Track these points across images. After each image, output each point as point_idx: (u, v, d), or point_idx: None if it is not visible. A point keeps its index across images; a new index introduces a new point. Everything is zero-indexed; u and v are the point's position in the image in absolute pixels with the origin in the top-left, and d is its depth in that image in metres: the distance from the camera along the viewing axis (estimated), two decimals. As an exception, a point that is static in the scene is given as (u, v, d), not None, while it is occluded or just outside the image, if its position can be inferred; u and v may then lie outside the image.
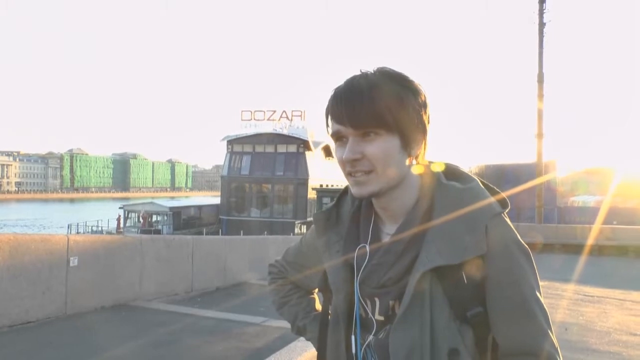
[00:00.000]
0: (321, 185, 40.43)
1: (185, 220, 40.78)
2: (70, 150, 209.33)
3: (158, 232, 36.93)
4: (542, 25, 24.62)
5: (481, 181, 1.18)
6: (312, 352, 4.67)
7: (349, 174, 1.09)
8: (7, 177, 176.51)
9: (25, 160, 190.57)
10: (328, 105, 1.10)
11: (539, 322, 1.07)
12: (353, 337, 1.17)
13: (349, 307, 1.18)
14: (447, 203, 1.11)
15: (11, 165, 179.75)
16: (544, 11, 24.69)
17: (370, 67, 1.11)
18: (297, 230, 37.29)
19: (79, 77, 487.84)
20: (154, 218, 40.66)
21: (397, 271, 1.11)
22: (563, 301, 9.21)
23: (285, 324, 6.20)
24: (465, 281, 1.06)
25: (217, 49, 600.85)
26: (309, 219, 38.87)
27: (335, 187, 42.49)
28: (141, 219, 39.70)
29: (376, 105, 1.03)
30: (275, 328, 5.91)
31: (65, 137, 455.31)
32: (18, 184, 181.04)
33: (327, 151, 47.88)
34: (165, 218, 39.85)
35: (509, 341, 1.08)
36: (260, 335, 5.65)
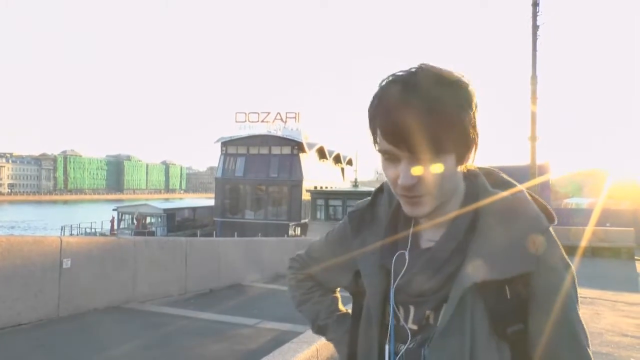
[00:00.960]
0: (315, 187, 40.46)
1: (179, 222, 40.73)
2: (64, 152, 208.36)
3: (152, 233, 36.88)
4: (535, 27, 24.63)
5: (527, 192, 1.14)
6: (305, 354, 4.69)
7: (401, 195, 1.03)
8: (0, 179, 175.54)
9: (18, 162, 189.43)
10: (375, 116, 1.00)
11: (582, 344, 1.03)
12: (387, 346, 1.11)
13: (381, 313, 1.14)
14: (493, 213, 1.07)
15: (4, 166, 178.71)
16: (538, 14, 24.78)
17: (408, 64, 1.01)
18: (291, 232, 37.31)
19: (72, 79, 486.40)
20: (148, 220, 40.58)
21: (438, 281, 1.05)
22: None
23: (279, 326, 6.22)
24: (509, 296, 1.01)
25: (212, 51, 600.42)
26: (303, 221, 38.89)
27: (329, 188, 42.55)
28: (135, 221, 39.58)
29: (437, 132, 0.94)
30: (269, 330, 5.91)
31: (59, 139, 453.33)
32: (11, 185, 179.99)
33: (321, 153, 47.93)
34: (159, 220, 39.77)
35: None
36: (253, 337, 5.64)
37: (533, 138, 24.78)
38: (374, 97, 1.02)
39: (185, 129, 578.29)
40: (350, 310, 1.32)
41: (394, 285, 1.10)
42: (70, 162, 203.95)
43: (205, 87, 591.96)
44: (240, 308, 7.60)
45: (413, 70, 0.99)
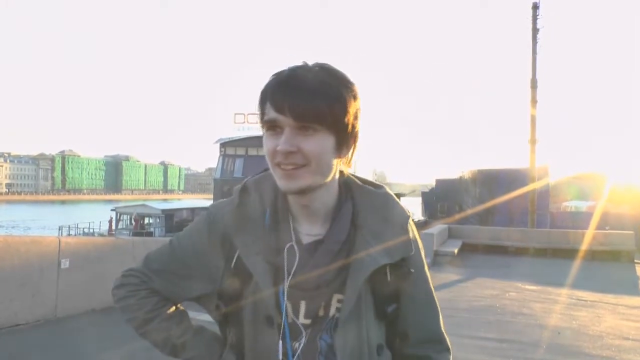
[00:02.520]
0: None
1: (177, 223, 40.57)
2: (62, 152, 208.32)
3: (150, 234, 36.76)
4: (535, 31, 24.76)
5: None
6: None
7: (277, 165, 1.05)
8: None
9: (16, 162, 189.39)
10: (267, 90, 1.06)
11: (439, 314, 1.26)
12: (282, 344, 1.10)
13: (268, 313, 1.11)
14: (369, 205, 1.18)
15: (2, 166, 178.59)
16: (538, 17, 24.83)
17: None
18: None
19: (71, 78, 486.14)
20: (146, 220, 40.47)
21: (332, 273, 1.11)
22: (556, 306, 9.23)
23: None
24: (389, 279, 1.14)
25: (211, 52, 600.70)
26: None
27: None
28: (133, 221, 39.50)
29: (321, 101, 1.01)
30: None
31: (57, 139, 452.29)
32: (8, 185, 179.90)
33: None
34: (158, 220, 39.67)
35: (420, 332, 1.22)
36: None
37: (533, 141, 24.86)
38: (266, 81, 1.08)
39: (184, 129, 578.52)
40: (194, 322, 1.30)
41: (288, 281, 1.10)
42: (68, 162, 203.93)
43: (204, 88, 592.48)
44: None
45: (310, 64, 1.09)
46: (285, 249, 1.12)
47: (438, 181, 42.68)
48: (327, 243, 1.13)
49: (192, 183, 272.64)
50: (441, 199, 38.79)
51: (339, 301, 1.12)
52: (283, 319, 1.10)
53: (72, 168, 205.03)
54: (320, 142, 1.03)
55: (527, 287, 11.41)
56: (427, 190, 46.46)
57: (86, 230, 39.93)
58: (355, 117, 1.08)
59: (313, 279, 1.10)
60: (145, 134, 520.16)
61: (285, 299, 1.11)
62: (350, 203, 1.17)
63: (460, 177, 39.10)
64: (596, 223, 20.67)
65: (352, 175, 1.23)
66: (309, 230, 1.15)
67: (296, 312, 1.12)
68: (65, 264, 6.17)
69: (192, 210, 45.18)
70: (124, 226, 40.60)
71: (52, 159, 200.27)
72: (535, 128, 24.84)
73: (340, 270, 1.11)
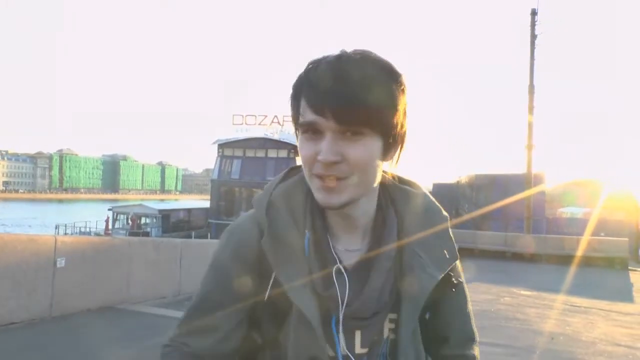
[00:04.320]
0: (311, 191, 40.43)
1: (174, 223, 40.57)
2: (60, 151, 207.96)
3: (147, 234, 36.67)
4: (533, 37, 24.82)
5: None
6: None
7: (317, 176, 0.90)
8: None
9: (13, 160, 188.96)
10: (302, 86, 0.92)
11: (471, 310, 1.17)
12: None
13: (316, 352, 0.95)
14: (411, 209, 1.05)
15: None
16: (536, 23, 24.91)
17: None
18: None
19: (70, 77, 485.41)
20: (143, 220, 40.40)
21: (388, 296, 0.99)
22: (551, 311, 9.26)
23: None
24: (433, 291, 1.02)
25: (210, 52, 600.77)
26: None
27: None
28: (130, 221, 39.43)
29: (369, 101, 0.86)
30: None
31: (55, 137, 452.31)
32: (5, 183, 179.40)
33: (318, 157, 47.90)
34: (154, 221, 39.60)
35: (461, 334, 1.14)
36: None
37: (529, 146, 24.90)
38: (300, 74, 0.93)
39: (182, 130, 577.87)
40: None
41: (342, 312, 0.96)
42: (66, 160, 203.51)
43: (203, 89, 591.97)
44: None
45: (348, 51, 0.93)
46: (334, 274, 0.96)
47: (435, 185, 42.72)
48: (378, 261, 0.99)
49: (190, 184, 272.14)
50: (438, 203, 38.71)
51: (391, 321, 1.01)
52: (338, 354, 0.97)
53: (69, 167, 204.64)
54: (367, 148, 0.89)
55: (522, 292, 11.46)
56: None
57: (83, 229, 39.83)
58: (405, 114, 0.94)
59: (372, 306, 0.97)
60: (143, 134, 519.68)
61: (340, 332, 0.96)
62: (392, 210, 1.04)
63: (458, 182, 39.14)
64: (591, 230, 20.72)
65: (389, 173, 1.09)
66: (347, 245, 1.01)
67: (350, 343, 0.98)
68: (61, 263, 6.17)
69: (189, 211, 45.17)
70: (121, 226, 40.51)
71: (50, 158, 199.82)
72: (533, 134, 24.90)
73: (393, 291, 0.99)
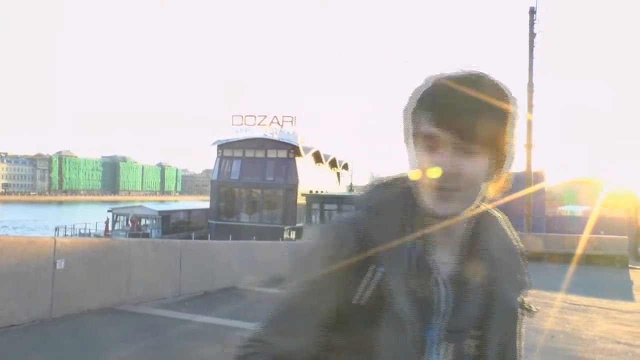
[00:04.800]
0: (311, 191, 40.43)
1: (174, 225, 40.60)
2: (59, 152, 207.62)
3: (147, 235, 36.71)
4: (532, 35, 24.85)
5: None
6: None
7: (435, 187, 0.95)
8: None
9: (12, 162, 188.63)
10: (425, 99, 0.97)
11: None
12: None
13: (409, 356, 0.96)
14: (495, 231, 1.09)
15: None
16: (535, 22, 24.93)
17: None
18: (286, 235, 37.23)
19: (69, 78, 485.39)
20: (143, 222, 40.44)
21: (478, 309, 1.02)
22: (551, 309, 9.26)
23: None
24: None
25: (209, 53, 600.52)
26: (298, 225, 38.84)
27: (325, 193, 42.56)
28: (130, 223, 39.46)
29: (489, 120, 0.93)
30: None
31: (54, 139, 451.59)
32: (5, 185, 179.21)
33: (317, 157, 47.94)
34: (154, 222, 39.64)
35: (513, 354, 1.12)
36: (247, 341, 5.62)
37: (529, 145, 24.91)
38: (425, 83, 0.99)
39: (182, 131, 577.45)
40: None
41: (441, 323, 0.98)
42: (65, 162, 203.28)
43: (202, 89, 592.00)
44: (235, 311, 7.58)
45: (465, 70, 0.99)
46: (436, 282, 0.99)
47: (435, 185, 42.70)
48: (470, 276, 1.02)
49: (189, 185, 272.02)
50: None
51: (472, 337, 1.02)
52: None
53: (69, 169, 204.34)
54: (479, 164, 0.95)
55: (522, 290, 11.45)
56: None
57: (82, 230, 39.86)
58: (514, 139, 0.99)
59: (469, 320, 1.00)
60: (142, 135, 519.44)
61: (438, 342, 0.98)
62: (481, 228, 1.06)
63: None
64: (591, 228, 20.75)
65: None
66: (441, 256, 1.03)
67: (443, 355, 0.99)
68: (60, 264, 6.18)
69: (189, 212, 45.21)
70: (121, 227, 40.53)
71: (50, 160, 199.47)
72: (532, 132, 24.92)
73: (481, 305, 1.02)
